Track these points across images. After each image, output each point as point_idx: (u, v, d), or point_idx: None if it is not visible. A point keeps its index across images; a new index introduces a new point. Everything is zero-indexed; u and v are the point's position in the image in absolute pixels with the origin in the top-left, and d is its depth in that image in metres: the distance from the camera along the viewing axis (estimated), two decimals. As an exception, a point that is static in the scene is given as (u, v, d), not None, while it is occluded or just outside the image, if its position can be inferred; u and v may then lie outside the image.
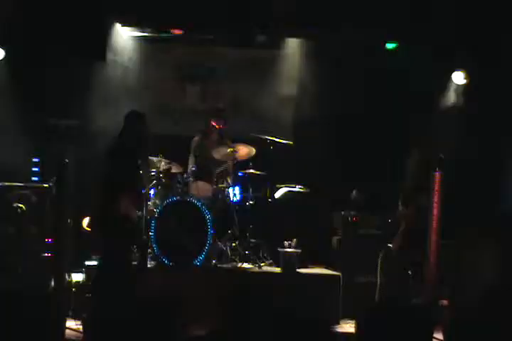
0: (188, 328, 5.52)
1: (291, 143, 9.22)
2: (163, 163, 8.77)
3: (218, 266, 8.48)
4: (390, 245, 8.01)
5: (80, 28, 8.37)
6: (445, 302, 7.83)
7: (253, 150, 8.90)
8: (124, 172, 7.49)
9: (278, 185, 9.17)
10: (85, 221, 8.96)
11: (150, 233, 8.51)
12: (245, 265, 8.54)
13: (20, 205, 8.36)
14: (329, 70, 9.64)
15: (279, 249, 8.56)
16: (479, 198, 9.19)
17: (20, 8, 8.45)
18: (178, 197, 8.61)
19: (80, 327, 6.88)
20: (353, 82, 9.40)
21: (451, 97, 9.69)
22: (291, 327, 4.20)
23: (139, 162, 7.58)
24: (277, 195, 9.15)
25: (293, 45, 9.92)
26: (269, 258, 8.77)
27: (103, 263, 7.49)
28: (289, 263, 8.46)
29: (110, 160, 7.59)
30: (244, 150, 8.90)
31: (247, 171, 8.92)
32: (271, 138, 9.02)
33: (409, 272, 7.84)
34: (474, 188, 9.31)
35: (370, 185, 9.20)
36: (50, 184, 8.45)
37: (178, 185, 8.73)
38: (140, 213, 8.67)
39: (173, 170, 8.90)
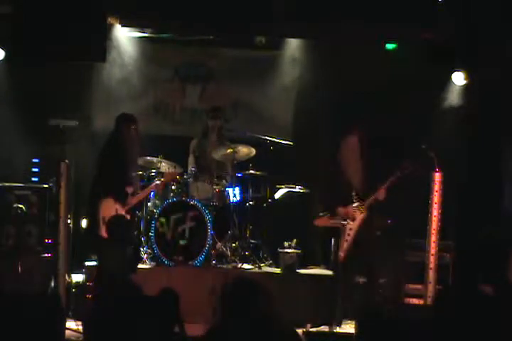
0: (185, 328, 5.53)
1: (291, 143, 9.21)
2: (163, 164, 8.77)
3: (218, 266, 8.49)
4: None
5: (80, 29, 8.36)
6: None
7: (253, 151, 8.90)
8: (107, 174, 7.51)
9: (278, 186, 9.17)
10: (83, 221, 8.97)
11: (150, 233, 8.52)
12: (245, 265, 8.54)
13: (20, 206, 8.36)
14: (329, 70, 9.63)
15: (279, 250, 8.56)
16: (479, 198, 9.19)
17: (20, 8, 8.44)
18: (178, 198, 8.62)
19: (80, 327, 6.88)
20: (352, 82, 9.39)
21: (451, 97, 9.68)
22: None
23: (126, 163, 7.59)
24: (277, 195, 9.15)
25: (293, 46, 9.91)
26: (269, 258, 8.77)
27: (99, 263, 7.54)
28: (289, 264, 8.46)
29: (97, 161, 7.67)
30: (243, 151, 8.89)
31: (247, 172, 8.92)
32: (271, 139, 9.02)
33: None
34: (474, 188, 9.31)
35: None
36: (50, 184, 8.45)
37: (178, 186, 8.73)
38: (139, 213, 8.71)
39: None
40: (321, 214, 7.77)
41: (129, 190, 7.66)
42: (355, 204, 7.55)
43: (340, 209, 7.55)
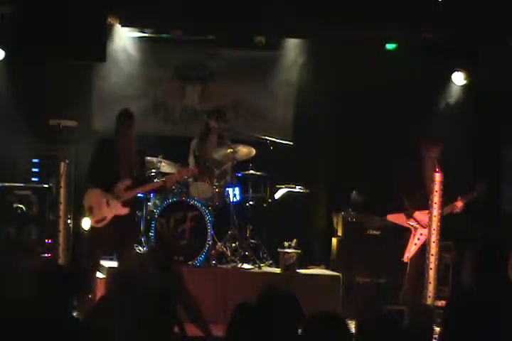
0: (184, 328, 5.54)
1: (291, 143, 9.22)
2: (163, 164, 8.76)
3: (218, 266, 8.49)
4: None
5: (80, 29, 8.36)
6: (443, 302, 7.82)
7: (253, 151, 8.89)
8: (95, 167, 7.51)
9: (278, 186, 9.17)
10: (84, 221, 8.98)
11: (150, 233, 8.53)
12: (245, 265, 8.54)
13: (20, 205, 8.36)
14: (329, 70, 9.63)
15: (279, 250, 8.56)
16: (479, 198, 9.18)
17: (20, 8, 8.45)
18: (178, 198, 8.62)
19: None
20: (352, 82, 9.40)
21: (451, 97, 9.69)
22: None
23: (118, 157, 7.57)
24: (277, 195, 9.14)
25: (292, 46, 9.92)
26: (269, 258, 8.77)
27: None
28: (289, 264, 8.46)
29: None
30: (243, 151, 8.88)
31: (247, 172, 8.92)
32: (271, 139, 9.02)
33: None
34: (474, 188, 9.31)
35: (370, 185, 9.20)
36: (50, 184, 8.45)
37: (178, 186, 8.74)
38: (139, 213, 8.72)
39: (173, 171, 8.90)
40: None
41: (124, 183, 7.61)
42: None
43: (418, 214, 7.75)
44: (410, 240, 7.78)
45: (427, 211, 7.55)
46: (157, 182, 8.06)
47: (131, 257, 7.29)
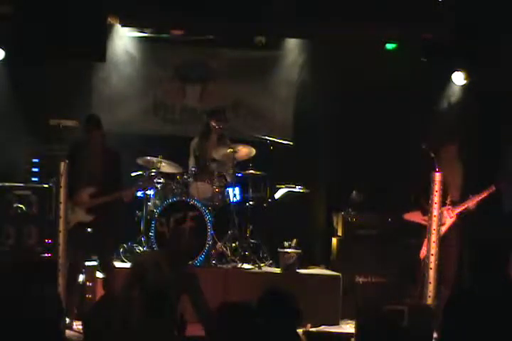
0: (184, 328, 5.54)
1: (291, 143, 9.22)
2: (163, 164, 8.77)
3: (218, 266, 8.49)
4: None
5: (80, 29, 8.36)
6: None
7: (253, 151, 8.90)
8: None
9: (278, 186, 9.17)
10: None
11: (150, 233, 8.53)
12: (245, 265, 8.54)
13: (20, 205, 8.36)
14: (329, 70, 9.63)
15: (279, 250, 8.56)
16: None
17: (20, 8, 8.45)
18: (178, 198, 8.62)
19: (80, 327, 6.88)
20: (352, 82, 9.40)
21: (450, 97, 9.69)
22: None
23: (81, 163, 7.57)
24: (277, 195, 9.15)
25: (292, 46, 9.92)
26: (269, 258, 8.77)
27: None
28: (289, 264, 8.46)
29: None
30: (243, 151, 8.89)
31: (247, 171, 8.92)
32: (271, 139, 9.02)
33: None
34: (474, 188, 9.30)
35: (370, 185, 9.20)
36: (50, 184, 8.45)
37: (178, 186, 8.74)
38: (139, 213, 8.72)
39: (173, 171, 8.91)
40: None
41: (88, 190, 7.59)
42: (447, 209, 7.74)
43: None
44: (427, 237, 7.72)
45: (445, 208, 7.62)
46: (127, 190, 7.93)
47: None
